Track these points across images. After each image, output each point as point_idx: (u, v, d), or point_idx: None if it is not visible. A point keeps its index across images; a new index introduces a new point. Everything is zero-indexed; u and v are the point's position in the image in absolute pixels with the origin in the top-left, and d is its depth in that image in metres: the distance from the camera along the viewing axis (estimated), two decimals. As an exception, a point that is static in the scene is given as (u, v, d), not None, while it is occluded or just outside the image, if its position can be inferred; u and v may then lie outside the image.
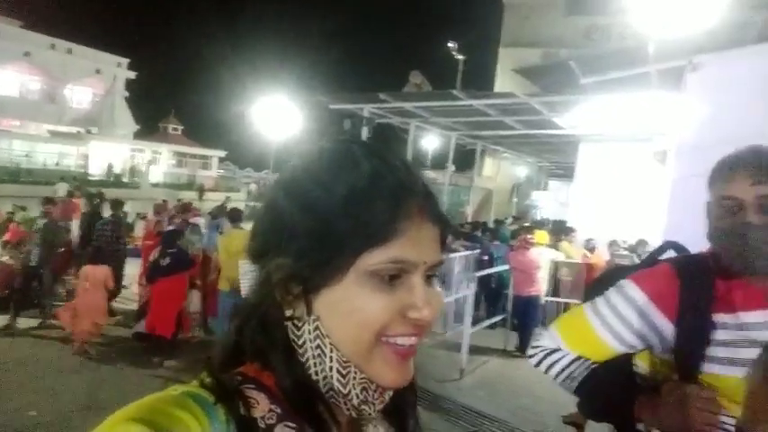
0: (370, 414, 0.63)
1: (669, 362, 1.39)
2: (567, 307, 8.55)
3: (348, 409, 0.62)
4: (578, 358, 1.46)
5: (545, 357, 1.50)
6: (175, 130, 46.75)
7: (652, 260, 1.57)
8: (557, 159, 17.51)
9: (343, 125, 9.49)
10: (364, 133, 9.50)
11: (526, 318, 7.57)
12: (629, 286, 1.42)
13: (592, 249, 9.22)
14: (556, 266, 8.76)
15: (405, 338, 0.60)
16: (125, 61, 43.78)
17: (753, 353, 1.26)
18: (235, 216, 6.79)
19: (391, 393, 0.64)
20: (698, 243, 1.51)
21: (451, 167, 15.07)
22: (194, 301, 6.79)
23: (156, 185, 34.69)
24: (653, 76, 6.44)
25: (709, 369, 1.31)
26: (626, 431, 1.48)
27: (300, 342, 0.62)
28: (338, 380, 0.61)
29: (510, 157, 19.26)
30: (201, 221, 9.68)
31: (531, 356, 1.55)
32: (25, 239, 7.80)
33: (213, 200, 25.99)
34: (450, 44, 30.70)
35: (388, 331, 0.59)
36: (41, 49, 36.91)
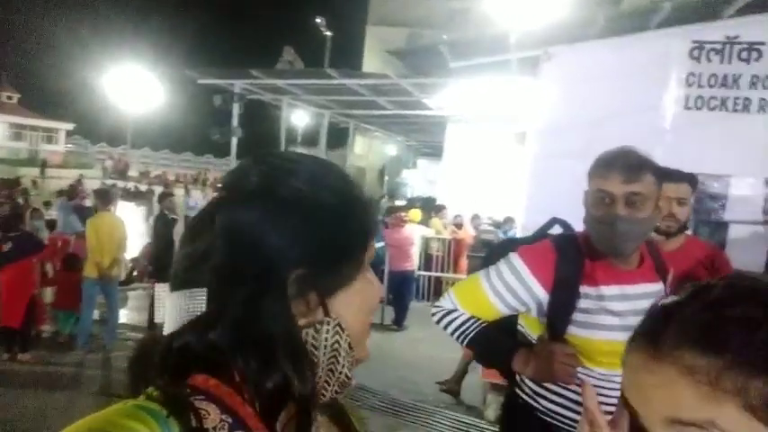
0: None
1: (542, 324, 1.67)
2: (438, 280, 9.05)
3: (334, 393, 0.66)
4: (471, 317, 1.70)
5: (444, 316, 1.74)
6: (10, 98, 41.69)
7: (541, 234, 1.87)
8: (425, 139, 18.15)
9: (213, 101, 9.06)
10: (235, 110, 9.15)
11: (401, 292, 7.90)
12: (516, 259, 1.67)
13: (459, 225, 9.80)
14: (427, 242, 9.21)
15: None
16: (-58, 17, 37.68)
17: (606, 319, 1.60)
18: (103, 197, 6.28)
19: None
20: (552, 214, 1.87)
21: (324, 145, 15.04)
22: (48, 292, 6.21)
23: (-13, 162, 30.65)
24: (514, 63, 6.90)
25: (571, 331, 1.61)
26: (509, 377, 1.82)
27: (317, 344, 0.64)
28: (348, 369, 0.66)
29: (381, 136, 19.64)
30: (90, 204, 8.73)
31: (432, 314, 1.78)
32: None
33: (65, 177, 23.54)
34: (317, 19, 30.24)
35: None
36: None
